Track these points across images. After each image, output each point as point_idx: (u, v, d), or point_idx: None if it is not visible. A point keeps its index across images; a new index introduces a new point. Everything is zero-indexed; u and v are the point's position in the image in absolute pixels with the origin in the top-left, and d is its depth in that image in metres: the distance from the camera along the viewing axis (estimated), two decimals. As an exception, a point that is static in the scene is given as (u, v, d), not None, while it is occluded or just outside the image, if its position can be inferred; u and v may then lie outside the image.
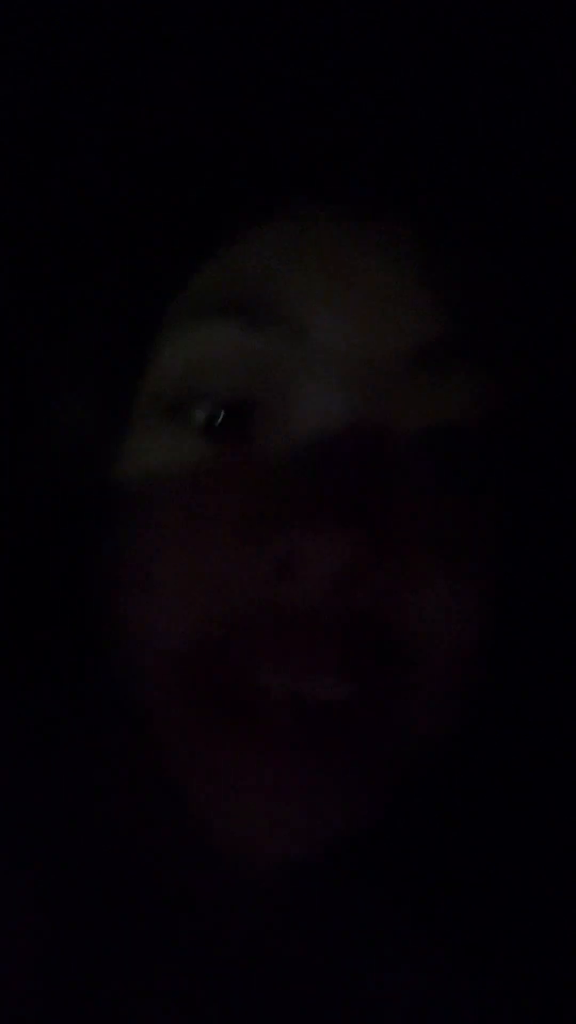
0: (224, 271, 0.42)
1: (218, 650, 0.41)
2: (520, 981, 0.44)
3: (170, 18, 0.41)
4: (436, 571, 0.42)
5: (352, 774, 0.41)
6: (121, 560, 0.43)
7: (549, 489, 0.46)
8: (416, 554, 0.41)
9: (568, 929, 0.45)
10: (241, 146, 0.41)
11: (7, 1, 0.41)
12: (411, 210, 0.41)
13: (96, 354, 0.45)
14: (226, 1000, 0.44)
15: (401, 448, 0.42)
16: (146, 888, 0.45)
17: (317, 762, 0.41)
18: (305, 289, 0.41)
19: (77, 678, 0.45)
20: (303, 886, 0.45)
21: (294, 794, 0.40)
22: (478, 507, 0.43)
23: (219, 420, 0.43)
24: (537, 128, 0.41)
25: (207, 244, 0.42)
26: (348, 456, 0.41)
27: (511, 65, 0.41)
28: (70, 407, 0.47)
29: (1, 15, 0.41)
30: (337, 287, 0.41)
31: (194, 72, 0.41)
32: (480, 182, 0.42)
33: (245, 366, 0.42)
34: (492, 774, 0.47)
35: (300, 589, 0.40)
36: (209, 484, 0.42)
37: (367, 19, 0.40)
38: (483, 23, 0.40)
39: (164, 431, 0.43)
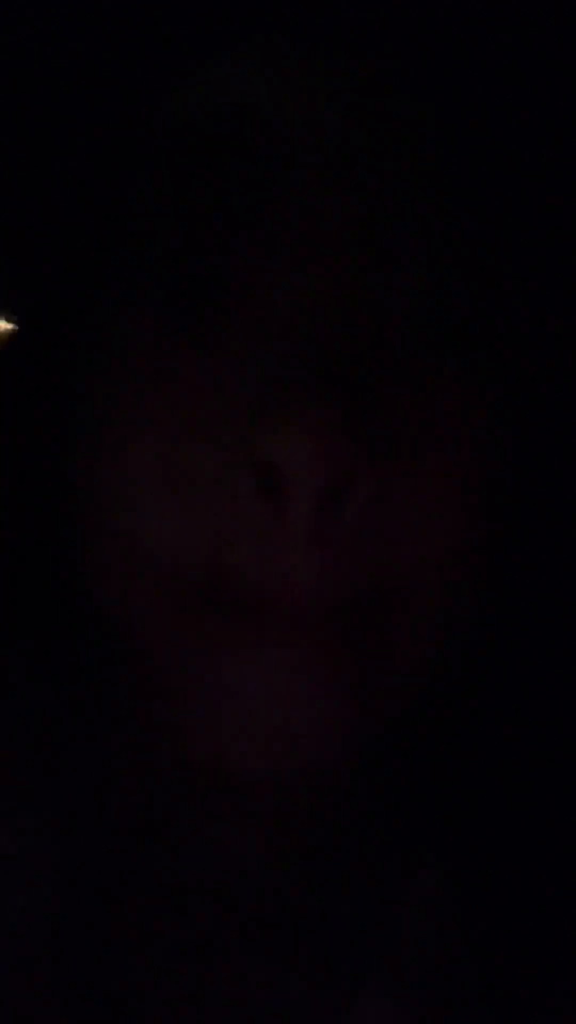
0: (198, 102, 0.39)
1: (203, 558, 0.38)
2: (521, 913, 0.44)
3: None
4: (430, 471, 0.39)
5: (351, 682, 0.39)
6: (93, 464, 0.40)
7: (552, 372, 0.43)
8: (409, 452, 0.38)
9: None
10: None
11: None
12: (412, 60, 0.38)
13: (55, 224, 0.41)
14: (226, 942, 0.44)
15: (391, 325, 0.39)
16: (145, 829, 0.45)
17: (317, 662, 0.38)
18: (288, 122, 0.38)
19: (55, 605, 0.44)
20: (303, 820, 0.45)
21: (296, 691, 0.38)
22: (474, 397, 0.40)
23: (192, 294, 0.39)
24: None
25: (176, 68, 0.38)
26: (333, 340, 0.37)
27: None
28: (31, 287, 0.43)
29: None
30: (324, 130, 0.38)
31: None
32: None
33: (219, 217, 0.38)
34: (496, 705, 0.45)
35: (284, 505, 0.36)
36: (182, 374, 0.39)
37: None
38: None
39: (131, 314, 0.40)
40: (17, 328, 0.44)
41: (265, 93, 0.38)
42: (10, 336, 0.44)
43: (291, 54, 0.38)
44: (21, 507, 0.43)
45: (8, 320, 0.45)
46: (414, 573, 0.39)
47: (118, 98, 0.39)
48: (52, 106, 0.40)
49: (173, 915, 0.45)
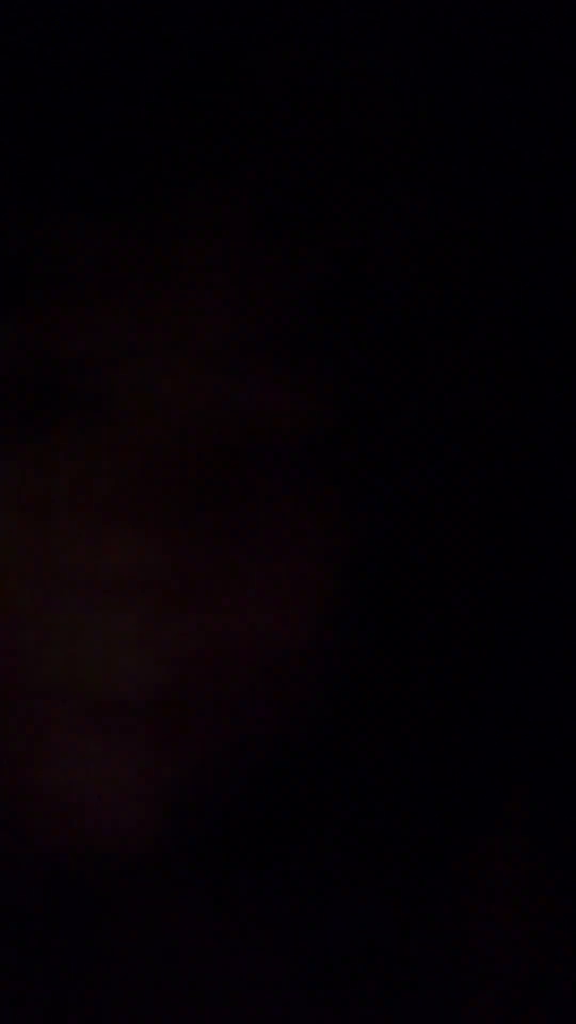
0: (59, 241, 0.40)
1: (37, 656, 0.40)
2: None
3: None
4: (277, 584, 0.40)
5: (179, 756, 0.40)
6: None
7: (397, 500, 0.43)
8: (259, 567, 0.40)
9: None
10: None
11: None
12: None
13: None
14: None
15: (258, 448, 0.40)
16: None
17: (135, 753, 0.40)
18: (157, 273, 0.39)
19: None
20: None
21: (118, 779, 0.40)
22: (326, 518, 0.41)
23: (65, 419, 0.40)
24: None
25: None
26: (191, 460, 0.39)
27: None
28: None
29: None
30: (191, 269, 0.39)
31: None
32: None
33: (92, 347, 0.39)
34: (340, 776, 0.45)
35: (120, 605, 0.38)
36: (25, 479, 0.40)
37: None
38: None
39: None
40: None
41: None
42: None
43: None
44: None
45: None
46: (251, 664, 0.40)
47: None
48: None
49: None
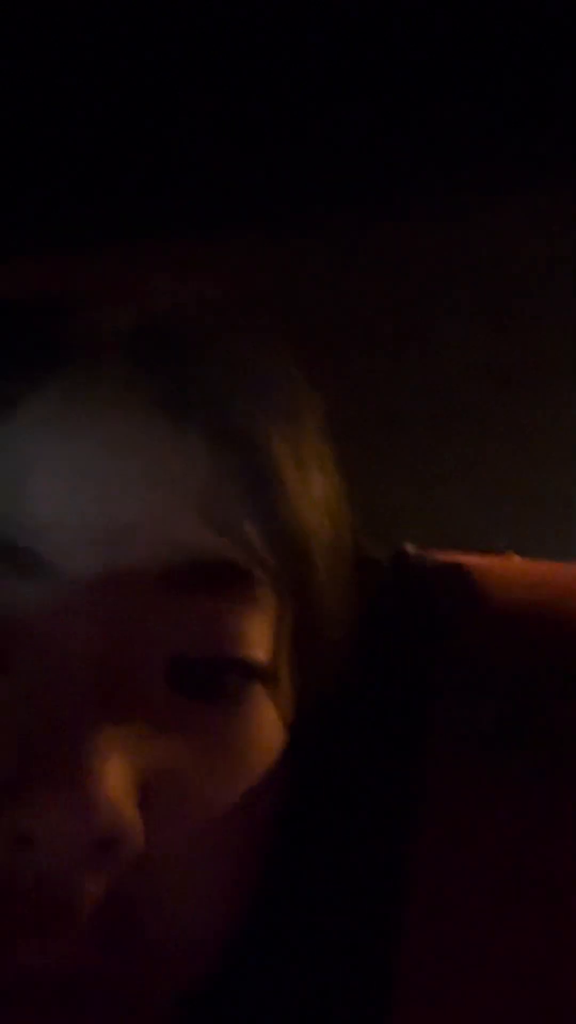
0: None
1: None
2: None
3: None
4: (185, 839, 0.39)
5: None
6: None
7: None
8: (175, 797, 0.38)
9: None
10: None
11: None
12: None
13: None
14: None
15: (146, 688, 0.39)
16: None
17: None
18: (49, 520, 0.39)
19: None
20: None
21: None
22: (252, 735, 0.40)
23: None
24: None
25: None
26: (93, 706, 0.37)
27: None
28: None
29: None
30: (86, 512, 0.39)
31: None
32: None
33: None
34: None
35: (39, 864, 0.36)
36: None
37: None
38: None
39: None
40: None
41: (26, 494, 0.38)
42: None
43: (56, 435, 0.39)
44: None
45: None
46: (167, 925, 0.38)
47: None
48: None
49: None
